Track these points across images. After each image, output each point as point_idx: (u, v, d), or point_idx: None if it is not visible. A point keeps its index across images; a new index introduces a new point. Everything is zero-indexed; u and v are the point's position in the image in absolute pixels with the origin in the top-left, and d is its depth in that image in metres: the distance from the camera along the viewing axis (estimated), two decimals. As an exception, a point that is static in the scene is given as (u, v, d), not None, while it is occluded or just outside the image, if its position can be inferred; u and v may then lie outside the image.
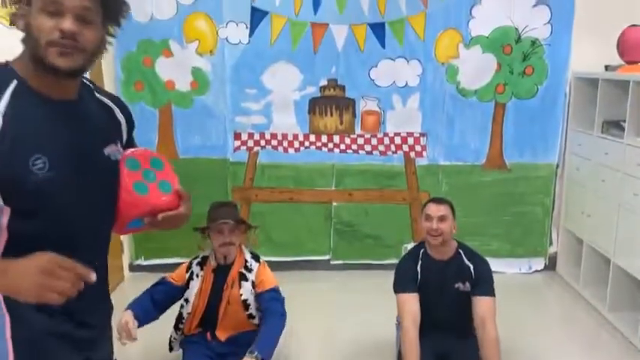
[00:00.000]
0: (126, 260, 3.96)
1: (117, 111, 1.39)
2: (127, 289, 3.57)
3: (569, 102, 3.88)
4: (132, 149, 1.41)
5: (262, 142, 3.88)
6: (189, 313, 2.51)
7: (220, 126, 3.83)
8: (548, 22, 3.75)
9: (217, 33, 3.69)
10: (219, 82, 3.76)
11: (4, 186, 1.13)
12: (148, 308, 2.44)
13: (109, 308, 1.46)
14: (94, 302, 1.31)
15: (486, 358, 2.33)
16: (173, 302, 2.57)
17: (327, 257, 4.06)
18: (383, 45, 3.76)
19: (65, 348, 1.27)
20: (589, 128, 3.65)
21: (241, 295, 2.48)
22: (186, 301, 2.52)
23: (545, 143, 3.93)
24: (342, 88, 3.84)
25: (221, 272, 2.52)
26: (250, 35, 3.70)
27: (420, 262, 2.52)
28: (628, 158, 3.17)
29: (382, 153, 3.93)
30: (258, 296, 2.48)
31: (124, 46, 3.63)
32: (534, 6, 3.72)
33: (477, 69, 3.81)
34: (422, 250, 2.56)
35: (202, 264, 2.57)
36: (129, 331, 2.27)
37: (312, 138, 3.90)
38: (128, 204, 1.34)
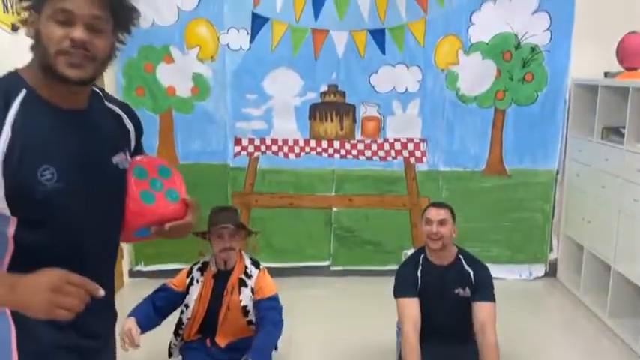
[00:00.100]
0: (126, 266, 3.96)
1: (125, 118, 1.39)
2: (127, 295, 3.56)
3: (568, 108, 3.89)
4: (140, 157, 1.40)
5: (262, 148, 3.89)
6: (188, 319, 2.51)
7: (221, 131, 3.84)
8: (548, 28, 3.76)
9: (218, 39, 3.71)
10: (220, 88, 3.77)
11: (12, 196, 1.12)
12: (150, 315, 2.44)
13: (113, 316, 1.45)
14: (100, 313, 1.31)
15: (486, 364, 2.32)
16: (174, 308, 2.56)
17: (327, 263, 4.06)
18: (383, 51, 3.77)
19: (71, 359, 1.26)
20: (589, 134, 3.66)
21: (241, 301, 2.48)
22: (186, 306, 2.52)
23: (545, 149, 3.94)
24: (343, 93, 3.85)
25: (221, 278, 2.52)
26: (251, 41, 3.72)
27: (420, 267, 2.52)
28: (628, 164, 3.17)
29: (382, 159, 3.94)
30: (256, 303, 2.48)
31: (125, 51, 3.63)
32: (534, 13, 3.74)
33: (476, 75, 3.83)
34: (422, 256, 2.56)
35: (203, 269, 2.56)
36: (132, 338, 2.27)
37: (313, 143, 3.91)
38: (135, 213, 1.33)
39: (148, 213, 1.34)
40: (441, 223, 2.46)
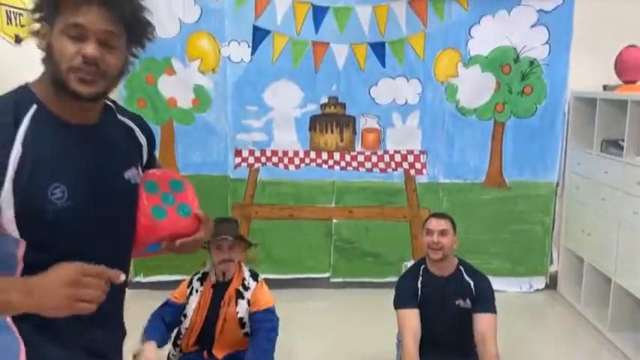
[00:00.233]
0: (125, 277, 3.94)
1: (138, 132, 1.38)
2: (126, 307, 3.53)
3: (568, 121, 3.91)
4: (152, 171, 1.38)
5: (263, 159, 3.90)
6: (186, 329, 2.49)
7: (221, 143, 3.85)
8: (547, 42, 3.79)
9: (220, 51, 3.74)
10: (221, 100, 3.79)
11: (22, 216, 1.10)
12: (164, 334, 2.44)
13: (122, 335, 1.43)
14: (110, 331, 1.29)
15: (487, 376, 2.31)
16: (181, 322, 2.56)
17: (327, 275, 4.05)
18: (383, 64, 3.80)
19: None
20: (588, 147, 3.67)
21: (237, 313, 2.46)
22: (185, 316, 2.51)
23: (544, 162, 3.95)
24: (343, 105, 3.87)
25: (219, 289, 2.51)
26: (252, 54, 3.75)
27: (420, 279, 2.52)
28: (627, 177, 3.18)
29: (382, 170, 3.95)
30: (251, 315, 2.47)
31: (127, 63, 3.66)
32: (533, 26, 3.77)
33: (476, 88, 3.85)
34: (422, 267, 2.55)
35: (203, 279, 2.56)
36: None
37: (313, 155, 3.92)
38: (146, 229, 1.30)
39: (159, 229, 1.31)
40: (442, 233, 2.46)
